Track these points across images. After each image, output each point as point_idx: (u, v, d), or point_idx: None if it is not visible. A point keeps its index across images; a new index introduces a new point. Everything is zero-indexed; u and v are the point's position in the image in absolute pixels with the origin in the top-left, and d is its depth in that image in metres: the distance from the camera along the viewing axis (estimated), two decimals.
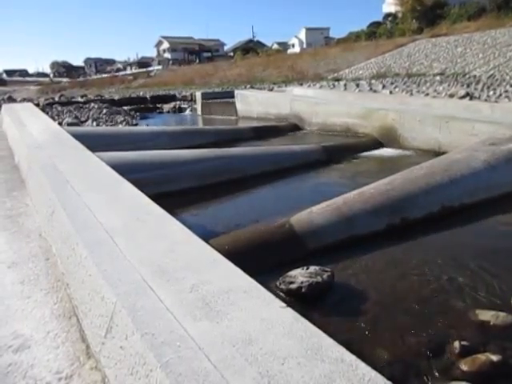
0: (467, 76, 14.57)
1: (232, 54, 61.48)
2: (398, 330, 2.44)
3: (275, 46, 64.36)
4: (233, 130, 9.74)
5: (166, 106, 18.31)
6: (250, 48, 56.83)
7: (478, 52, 19.56)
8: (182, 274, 2.08)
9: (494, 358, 2.13)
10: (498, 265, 3.20)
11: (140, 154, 5.77)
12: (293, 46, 64.50)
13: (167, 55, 68.29)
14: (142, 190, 3.35)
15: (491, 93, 9.35)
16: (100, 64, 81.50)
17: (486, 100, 8.45)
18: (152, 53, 75.48)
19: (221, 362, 1.45)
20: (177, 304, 1.80)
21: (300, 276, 2.91)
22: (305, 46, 59.72)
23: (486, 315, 2.51)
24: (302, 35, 65.92)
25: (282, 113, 10.63)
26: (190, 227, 2.86)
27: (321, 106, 9.51)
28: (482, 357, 2.14)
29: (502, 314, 2.49)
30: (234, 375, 1.39)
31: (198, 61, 58.33)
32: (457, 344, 2.23)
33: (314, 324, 1.77)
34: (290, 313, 1.75)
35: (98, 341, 1.86)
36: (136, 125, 12.62)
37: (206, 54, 64.06)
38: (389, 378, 1.56)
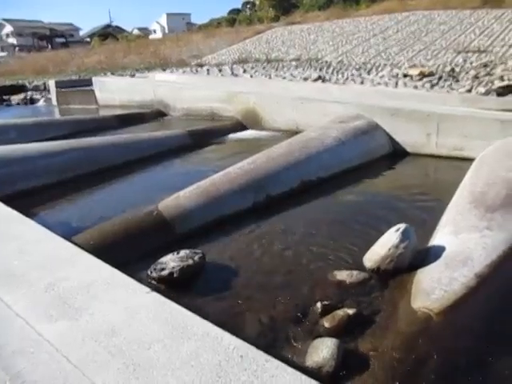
0: (320, 61, 15.72)
1: (89, 39, 57.34)
2: (267, 300, 2.56)
3: (136, 32, 61.70)
4: (93, 120, 9.11)
5: (15, 98, 16.38)
6: (109, 33, 53.60)
7: (329, 40, 21.20)
8: (35, 275, 1.92)
9: (350, 311, 2.37)
10: (350, 229, 3.57)
11: None
12: (154, 31, 62.63)
13: (12, 41, 60.85)
14: None
15: (340, 76, 10.24)
16: None
17: (335, 82, 9.23)
18: None
19: (82, 360, 1.38)
20: (29, 308, 1.65)
21: (171, 261, 2.88)
22: (167, 31, 58.42)
23: (342, 275, 2.77)
24: (163, 20, 64.42)
25: (146, 99, 10.30)
26: (49, 225, 2.63)
27: (185, 91, 9.43)
28: (340, 312, 2.36)
29: (355, 273, 2.77)
30: (97, 370, 1.33)
31: (50, 47, 53.12)
32: (318, 304, 2.43)
33: (186, 306, 1.76)
34: (154, 297, 1.72)
35: None
36: None
37: (59, 40, 58.53)
38: (260, 345, 1.63)
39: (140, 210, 3.60)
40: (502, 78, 7.80)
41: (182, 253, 2.97)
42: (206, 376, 1.29)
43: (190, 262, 2.89)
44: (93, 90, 12.39)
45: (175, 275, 2.78)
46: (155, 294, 1.72)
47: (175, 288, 2.70)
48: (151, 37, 51.61)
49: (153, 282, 2.75)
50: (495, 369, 1.98)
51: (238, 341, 1.46)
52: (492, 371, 1.97)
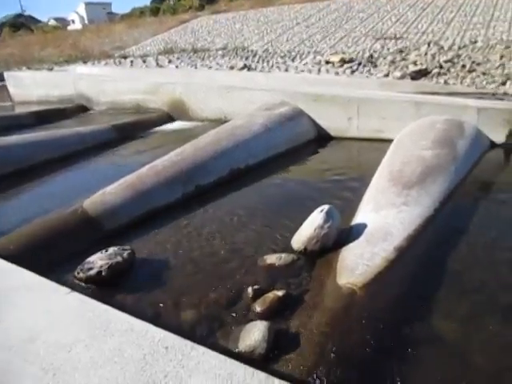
0: (246, 50, 15.77)
1: None
2: (199, 290, 2.55)
3: (52, 22, 58.04)
4: (7, 118, 8.44)
5: None
6: (22, 24, 50.06)
7: (254, 28, 21.30)
8: None
9: (280, 293, 2.43)
10: (278, 213, 3.64)
11: None
12: (73, 22, 59.27)
13: None
14: None
15: (265, 64, 10.36)
16: None
17: (261, 71, 9.32)
18: None
19: None
20: None
21: (99, 260, 2.78)
22: (86, 22, 55.51)
23: (272, 259, 2.83)
24: (82, 10, 61.10)
25: (66, 94, 9.78)
26: None
27: (108, 84, 9.07)
28: (270, 295, 2.41)
29: (284, 255, 2.84)
30: (11, 381, 1.26)
31: None
32: (250, 289, 2.47)
33: (115, 304, 1.72)
34: (75, 297, 1.66)
35: None
36: None
37: None
38: (194, 336, 1.62)
39: (64, 210, 3.44)
40: (415, 63, 8.30)
41: (111, 250, 2.88)
42: (130, 371, 1.27)
43: (119, 259, 2.81)
44: (5, 86, 11.56)
45: (103, 274, 2.69)
46: (76, 294, 1.66)
47: (104, 287, 2.62)
48: (70, 28, 48.95)
49: (80, 283, 2.64)
50: (413, 334, 2.14)
51: (164, 332, 1.45)
52: (410, 336, 2.12)
